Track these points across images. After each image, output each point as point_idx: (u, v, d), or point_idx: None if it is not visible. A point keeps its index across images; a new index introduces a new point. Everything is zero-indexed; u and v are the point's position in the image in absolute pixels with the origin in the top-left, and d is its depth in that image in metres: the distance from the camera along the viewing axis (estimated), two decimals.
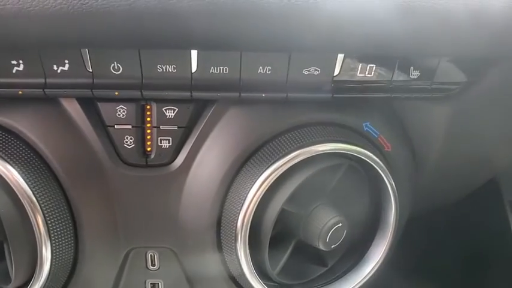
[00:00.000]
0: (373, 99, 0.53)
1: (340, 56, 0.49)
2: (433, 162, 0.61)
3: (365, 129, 0.55)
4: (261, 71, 0.48)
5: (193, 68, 0.48)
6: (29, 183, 0.49)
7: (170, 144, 0.51)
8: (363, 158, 0.51)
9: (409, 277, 0.95)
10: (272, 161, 0.49)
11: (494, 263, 0.80)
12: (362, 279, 0.57)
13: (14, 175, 0.48)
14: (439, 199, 0.71)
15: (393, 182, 0.54)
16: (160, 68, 0.47)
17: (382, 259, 0.57)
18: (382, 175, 0.53)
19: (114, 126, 0.51)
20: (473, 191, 0.73)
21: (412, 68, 0.52)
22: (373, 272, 0.57)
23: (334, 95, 0.51)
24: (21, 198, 0.48)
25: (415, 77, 0.52)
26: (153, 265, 0.56)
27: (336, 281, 0.58)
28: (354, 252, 0.59)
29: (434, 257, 0.92)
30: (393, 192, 0.54)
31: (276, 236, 0.53)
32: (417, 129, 0.59)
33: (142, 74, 0.48)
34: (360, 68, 0.51)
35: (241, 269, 0.51)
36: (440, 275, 0.91)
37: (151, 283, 0.57)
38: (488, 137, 0.61)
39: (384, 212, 0.56)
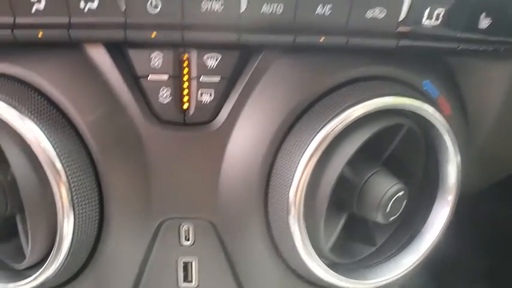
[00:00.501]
0: (435, 53, 0.47)
1: None
2: (486, 132, 0.55)
3: (424, 88, 0.49)
4: (320, 11, 0.42)
5: (243, 7, 0.41)
6: (53, 144, 0.42)
7: (212, 98, 0.45)
8: (426, 117, 0.46)
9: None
10: (330, 118, 0.43)
11: None
12: (417, 258, 0.51)
13: (35, 134, 0.41)
14: (486, 175, 0.65)
15: (456, 144, 0.48)
16: (205, 6, 0.41)
17: (440, 233, 0.51)
18: (445, 137, 0.47)
19: (147, 77, 0.44)
20: None
21: (483, 14, 0.45)
22: (429, 249, 0.51)
23: (399, 43, 0.44)
24: (43, 163, 0.41)
25: (486, 26, 0.45)
26: (187, 240, 0.49)
27: (388, 260, 0.52)
28: (405, 229, 0.53)
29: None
30: (455, 153, 0.48)
31: (330, 210, 0.46)
32: (474, 93, 0.53)
33: (183, 13, 0.41)
34: (427, 13, 0.44)
35: (294, 245, 0.45)
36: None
37: (184, 261, 0.51)
38: None
39: (443, 180, 0.50)
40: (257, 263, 0.49)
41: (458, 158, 0.49)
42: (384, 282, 0.50)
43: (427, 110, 0.45)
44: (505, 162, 0.64)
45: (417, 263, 0.51)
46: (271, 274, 0.50)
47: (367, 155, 0.47)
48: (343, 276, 0.48)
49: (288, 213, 0.44)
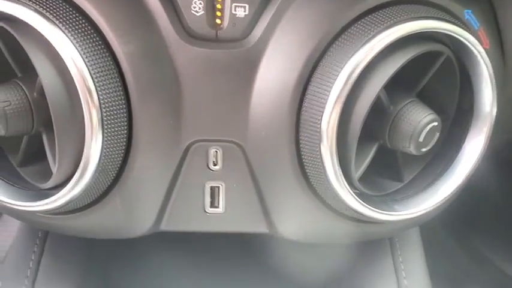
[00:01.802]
0: None
1: None
2: None
3: (466, 17, 0.46)
4: None
5: None
6: (86, 62, 0.40)
7: (246, 12, 0.42)
8: (468, 45, 0.43)
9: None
10: (365, 41, 0.40)
11: None
12: (451, 188, 0.50)
13: (69, 50, 0.40)
14: None
15: (493, 77, 0.45)
16: None
17: (475, 163, 0.49)
18: (483, 67, 0.45)
19: None
20: None
21: None
22: (463, 179, 0.49)
23: None
24: (75, 80, 0.40)
25: None
26: (215, 165, 0.48)
27: (417, 194, 0.51)
28: (436, 164, 0.52)
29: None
30: (492, 84, 0.46)
31: (361, 139, 0.45)
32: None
33: None
34: None
35: (326, 174, 0.44)
36: None
37: (211, 186, 0.50)
38: None
39: (478, 110, 0.48)
40: (285, 191, 0.48)
41: (495, 89, 0.46)
42: (413, 215, 0.49)
43: (469, 39, 0.43)
44: None
45: (450, 195, 0.50)
46: (299, 202, 0.49)
47: (403, 85, 0.45)
48: (373, 207, 0.47)
49: (320, 141, 0.42)
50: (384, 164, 0.50)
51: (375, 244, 0.64)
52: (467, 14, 0.46)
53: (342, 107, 0.41)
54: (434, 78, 0.46)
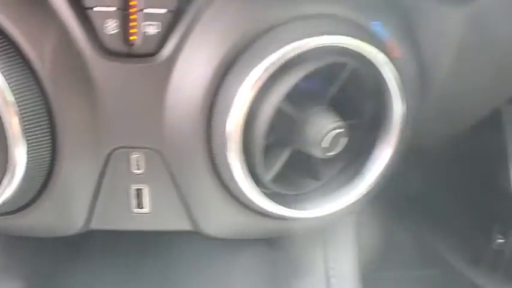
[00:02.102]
0: None
1: None
2: (441, 78, 0.56)
3: (373, 28, 0.49)
4: None
5: None
6: (2, 70, 0.43)
7: (158, 30, 0.46)
8: (368, 57, 0.46)
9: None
10: (268, 53, 0.44)
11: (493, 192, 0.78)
12: (354, 196, 0.54)
13: None
14: (445, 125, 0.66)
15: (402, 88, 0.49)
16: None
17: (381, 174, 0.53)
18: (390, 79, 0.48)
19: (94, 8, 0.45)
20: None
21: None
22: (368, 188, 0.53)
23: None
24: None
25: None
26: (138, 169, 0.52)
27: (328, 195, 0.55)
28: (352, 167, 0.56)
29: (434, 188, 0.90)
30: (401, 96, 0.49)
31: (272, 144, 0.49)
32: (428, 39, 0.53)
33: None
34: None
35: (233, 176, 0.47)
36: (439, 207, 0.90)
37: (136, 188, 0.54)
38: (505, 52, 0.55)
39: (387, 122, 0.51)
40: (202, 192, 0.52)
41: (404, 101, 0.49)
42: (323, 213, 0.53)
43: (370, 51, 0.46)
44: (460, 116, 0.64)
45: (360, 196, 0.53)
46: (216, 202, 0.53)
47: (314, 94, 0.48)
48: (282, 205, 0.51)
49: (224, 146, 0.46)
50: (304, 164, 0.53)
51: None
52: (374, 26, 0.49)
53: (245, 116, 0.44)
54: (350, 86, 0.49)
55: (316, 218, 0.53)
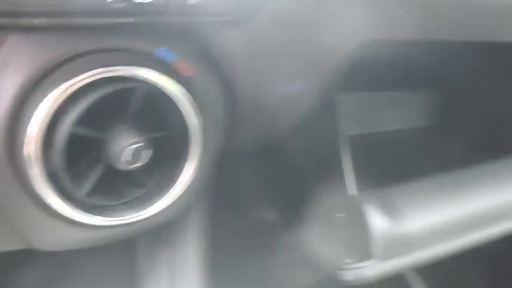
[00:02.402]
0: (168, 24, 0.50)
1: None
2: (240, 89, 0.58)
3: (156, 55, 0.51)
4: None
5: None
6: None
7: None
8: (148, 81, 0.48)
9: None
10: (54, 87, 0.45)
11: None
12: (170, 198, 0.55)
13: None
14: (264, 130, 0.69)
15: (194, 104, 0.51)
16: None
17: (186, 187, 0.55)
18: (176, 97, 0.50)
19: None
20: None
21: None
22: (179, 193, 0.55)
23: (118, 20, 0.46)
24: None
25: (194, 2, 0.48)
26: None
27: (148, 201, 0.55)
28: (167, 175, 0.57)
29: None
30: (195, 113, 0.51)
31: (85, 161, 0.50)
32: (220, 56, 0.56)
33: None
34: None
35: (41, 196, 0.47)
36: None
37: None
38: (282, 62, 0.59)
39: (187, 133, 0.53)
40: (22, 212, 0.52)
41: (199, 115, 0.52)
42: (141, 217, 0.54)
43: (150, 75, 0.48)
44: (273, 120, 0.67)
45: (167, 206, 0.55)
46: (37, 220, 0.52)
47: (115, 114, 0.50)
48: (103, 215, 0.51)
49: (26, 169, 0.46)
50: (125, 175, 0.53)
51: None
52: (159, 52, 0.51)
53: (43, 139, 0.45)
54: (149, 104, 0.51)
55: (138, 221, 0.54)
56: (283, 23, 0.55)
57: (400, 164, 0.97)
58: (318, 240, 0.67)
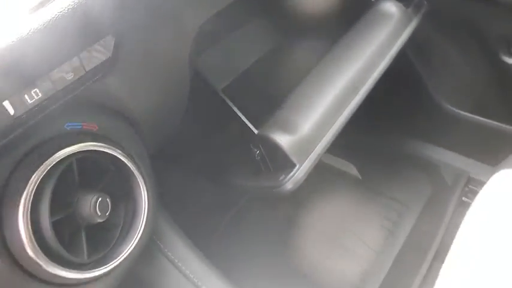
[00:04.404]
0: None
1: None
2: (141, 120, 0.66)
3: (68, 128, 0.56)
4: None
5: None
6: None
7: None
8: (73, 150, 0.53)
9: None
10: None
11: None
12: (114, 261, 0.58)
13: None
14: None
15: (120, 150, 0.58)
16: None
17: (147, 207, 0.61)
18: (122, 162, 0.57)
19: None
20: None
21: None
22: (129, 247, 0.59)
23: None
24: None
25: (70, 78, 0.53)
26: None
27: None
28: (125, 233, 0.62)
29: None
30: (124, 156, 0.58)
31: (70, 233, 0.55)
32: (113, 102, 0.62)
33: None
34: None
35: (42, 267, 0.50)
36: None
37: None
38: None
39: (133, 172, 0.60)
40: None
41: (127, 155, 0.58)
42: (90, 275, 0.55)
43: (72, 149, 0.53)
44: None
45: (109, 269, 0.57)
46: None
47: (90, 184, 0.56)
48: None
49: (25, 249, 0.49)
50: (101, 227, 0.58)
51: None
52: (67, 126, 0.56)
53: (27, 217, 0.49)
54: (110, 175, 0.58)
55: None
56: (143, 48, 0.61)
57: (273, 85, 1.10)
58: (253, 178, 0.81)
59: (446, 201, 1.17)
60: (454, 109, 1.17)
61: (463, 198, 1.15)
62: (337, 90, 0.79)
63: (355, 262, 1.11)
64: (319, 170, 0.84)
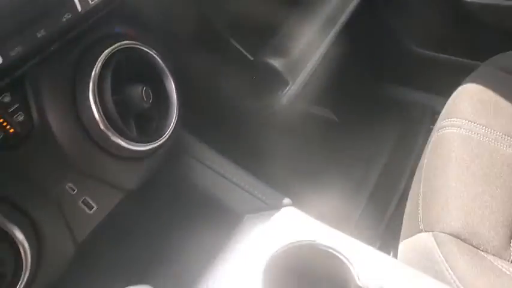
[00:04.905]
0: None
1: None
2: None
3: (116, 31, 0.66)
4: None
5: None
6: None
7: None
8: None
9: None
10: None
11: None
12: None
13: None
14: None
15: None
16: None
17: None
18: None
19: None
20: None
21: None
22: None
23: None
24: None
25: None
26: None
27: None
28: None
29: None
30: None
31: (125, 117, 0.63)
32: None
33: None
34: None
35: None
36: None
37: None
38: None
39: None
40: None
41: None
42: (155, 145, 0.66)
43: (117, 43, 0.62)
44: None
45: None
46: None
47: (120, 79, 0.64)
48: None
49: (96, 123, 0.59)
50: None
51: None
52: (116, 30, 0.66)
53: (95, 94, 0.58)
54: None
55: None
56: None
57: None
58: (251, 99, 0.91)
59: (416, 133, 1.31)
60: (419, 49, 1.30)
61: (431, 126, 1.29)
62: (321, 20, 0.90)
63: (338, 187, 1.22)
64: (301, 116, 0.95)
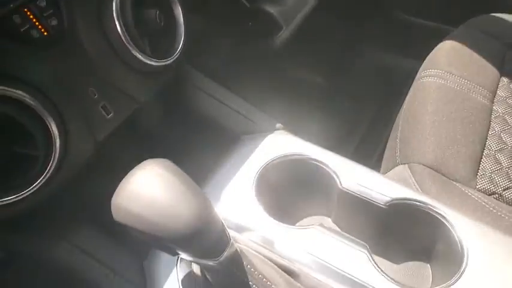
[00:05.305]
0: None
1: None
2: None
3: None
4: None
5: None
6: None
7: None
8: None
9: None
10: None
11: None
12: None
13: None
14: None
15: None
16: None
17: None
18: None
19: None
20: None
21: None
22: None
23: None
24: None
25: None
26: None
27: None
28: None
29: None
30: None
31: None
32: None
33: None
34: None
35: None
36: None
37: None
38: None
39: None
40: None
41: None
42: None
43: None
44: None
45: None
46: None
47: None
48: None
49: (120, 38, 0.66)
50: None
51: None
52: None
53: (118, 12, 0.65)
54: None
55: None
56: None
57: None
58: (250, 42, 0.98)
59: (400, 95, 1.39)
60: (402, 14, 1.37)
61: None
62: None
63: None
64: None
